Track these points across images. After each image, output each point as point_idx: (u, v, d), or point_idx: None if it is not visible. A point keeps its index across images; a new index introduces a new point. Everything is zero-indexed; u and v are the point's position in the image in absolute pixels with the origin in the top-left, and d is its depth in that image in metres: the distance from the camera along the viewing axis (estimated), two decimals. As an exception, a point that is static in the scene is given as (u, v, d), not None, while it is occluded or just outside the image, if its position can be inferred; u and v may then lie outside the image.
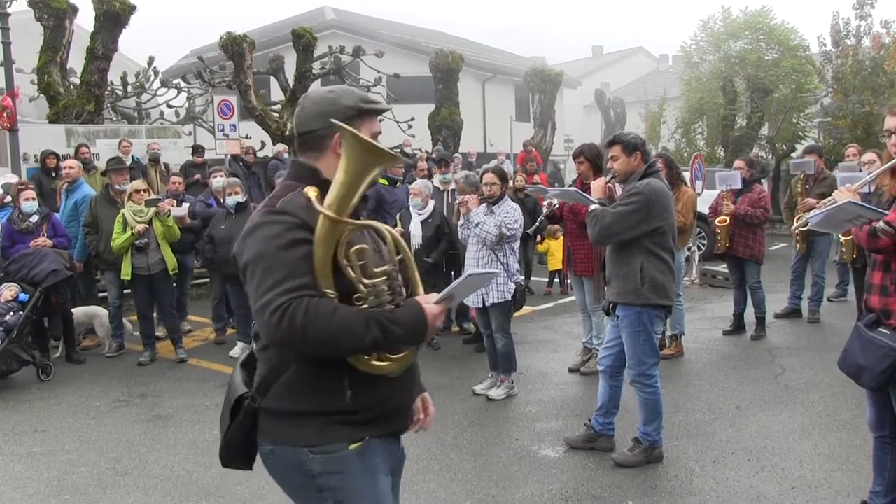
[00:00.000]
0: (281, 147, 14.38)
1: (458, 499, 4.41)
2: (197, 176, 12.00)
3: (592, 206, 4.77)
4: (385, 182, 9.13)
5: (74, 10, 13.37)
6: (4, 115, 11.40)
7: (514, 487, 4.54)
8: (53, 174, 10.69)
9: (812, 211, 3.99)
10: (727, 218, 7.89)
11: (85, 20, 15.26)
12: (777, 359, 7.19)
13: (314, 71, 17.61)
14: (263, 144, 17.52)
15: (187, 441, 5.51)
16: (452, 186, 8.35)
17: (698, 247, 12.36)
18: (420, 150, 16.70)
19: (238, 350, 7.94)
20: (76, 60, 14.56)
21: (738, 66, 24.38)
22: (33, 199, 7.85)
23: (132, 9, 13.38)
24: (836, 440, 5.11)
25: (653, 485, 4.50)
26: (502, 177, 6.46)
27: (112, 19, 13.18)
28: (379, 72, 20.13)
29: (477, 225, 6.16)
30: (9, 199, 8.33)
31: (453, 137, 18.35)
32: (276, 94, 21.35)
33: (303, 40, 15.90)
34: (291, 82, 17.04)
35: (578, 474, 4.69)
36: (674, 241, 4.74)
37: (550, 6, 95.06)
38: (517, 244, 6.41)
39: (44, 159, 11.03)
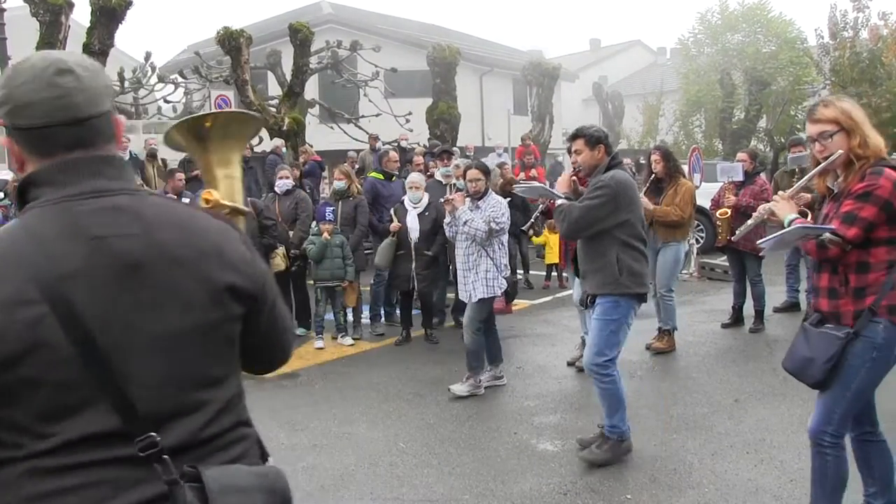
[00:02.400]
0: (278, 142, 14.36)
1: (456, 493, 4.41)
2: (195, 172, 11.97)
3: (559, 202, 4.73)
4: (380, 176, 9.12)
5: (70, 5, 13.32)
6: (1, 111, 11.38)
7: (513, 481, 4.54)
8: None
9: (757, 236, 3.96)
10: (728, 210, 7.89)
11: (81, 15, 15.24)
12: (775, 351, 7.19)
13: (311, 66, 17.59)
14: (261, 139, 17.49)
15: (186, 437, 5.50)
16: (454, 180, 8.34)
17: (696, 240, 12.37)
18: (417, 144, 16.71)
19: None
20: (72, 56, 14.53)
21: (736, 58, 24.41)
22: None
23: (128, 4, 13.35)
24: (835, 432, 5.10)
25: (651, 478, 4.50)
26: (486, 172, 6.41)
27: (108, 15, 13.15)
28: (376, 66, 20.10)
29: (465, 223, 6.09)
30: (1, 195, 8.29)
31: (451, 131, 18.33)
32: (274, 88, 21.33)
33: (300, 35, 15.86)
34: (289, 77, 17.02)
35: (577, 468, 4.69)
36: (644, 230, 4.74)
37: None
38: (506, 238, 6.36)
39: (40, 155, 11.01)
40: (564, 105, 30.71)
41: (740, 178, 8.07)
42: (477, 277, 6.13)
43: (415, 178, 8.20)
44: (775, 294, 8.93)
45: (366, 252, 8.74)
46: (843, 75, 18.15)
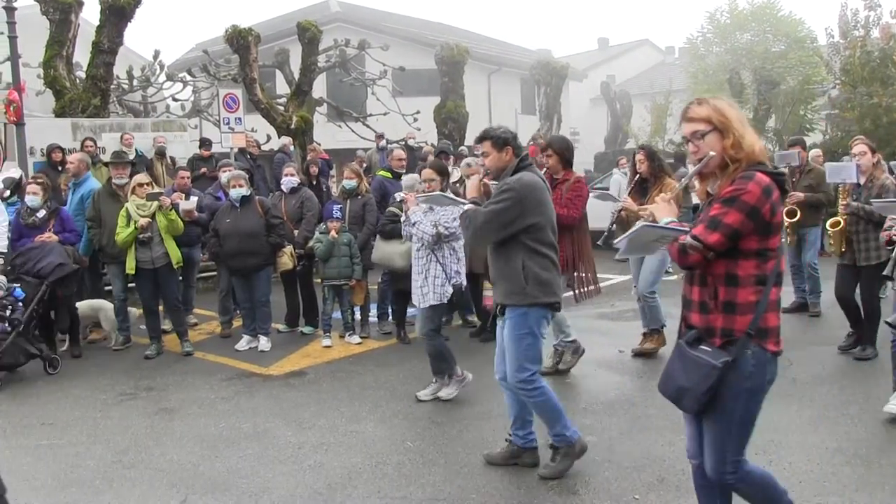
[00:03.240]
0: (286, 140, 14.38)
1: (464, 493, 4.40)
2: (203, 170, 11.99)
3: (466, 207, 4.48)
4: (388, 175, 9.13)
5: (80, 4, 13.36)
6: (11, 109, 11.41)
7: (521, 481, 4.53)
8: (59, 168, 10.69)
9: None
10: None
11: (90, 14, 15.29)
12: (784, 352, 7.13)
13: (319, 64, 17.62)
14: (269, 138, 17.53)
15: (193, 434, 5.52)
16: (453, 179, 8.32)
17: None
18: (425, 143, 16.71)
19: (244, 343, 7.95)
20: (82, 55, 14.57)
21: (745, 58, 24.32)
22: (35, 193, 7.73)
23: (137, 3, 13.37)
24: (844, 434, 5.09)
25: (660, 478, 4.49)
26: (442, 172, 6.21)
27: (117, 13, 13.18)
28: (384, 65, 20.12)
29: (414, 224, 5.95)
30: (7, 193, 8.29)
31: (458, 130, 18.34)
32: (282, 87, 21.36)
33: (308, 33, 15.89)
34: (297, 75, 17.04)
35: (585, 468, 4.68)
36: (554, 235, 4.52)
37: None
38: (459, 244, 6.11)
39: (49, 153, 11.05)
40: (572, 104, 30.67)
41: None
42: (426, 283, 5.95)
43: (417, 177, 8.17)
44: (784, 294, 8.88)
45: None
46: (853, 75, 18.01)
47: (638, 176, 7.09)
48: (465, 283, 6.23)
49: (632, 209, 6.85)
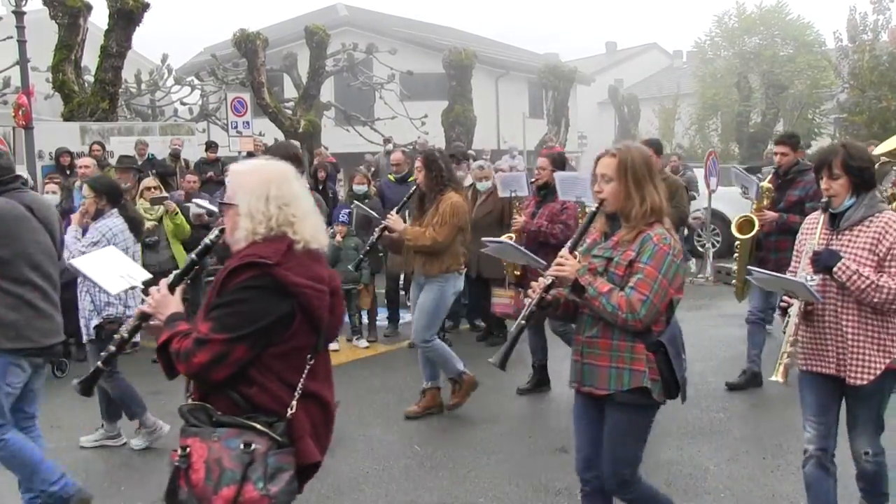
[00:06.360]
0: (294, 144, 14.40)
1: (471, 496, 4.40)
2: (210, 173, 12.00)
3: None
4: (392, 178, 9.11)
5: (88, 8, 13.45)
6: (20, 113, 11.48)
7: (527, 484, 4.52)
8: (68, 172, 10.73)
9: None
10: (514, 235, 6.05)
11: (99, 18, 15.35)
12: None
13: (327, 68, 17.68)
14: (276, 142, 17.59)
15: (201, 437, 5.52)
16: (467, 183, 8.31)
17: (713, 244, 12.30)
18: (433, 147, 16.70)
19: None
20: (90, 58, 14.65)
21: (753, 62, 24.30)
22: (54, 192, 7.90)
23: (146, 6, 13.44)
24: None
25: (667, 482, 4.47)
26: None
27: (126, 17, 13.25)
28: (392, 69, 20.17)
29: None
30: None
31: (466, 134, 18.36)
32: (290, 91, 21.42)
33: (316, 37, 15.96)
34: (305, 79, 17.09)
35: (592, 472, 4.66)
36: (35, 270, 3.98)
37: (564, 2, 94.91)
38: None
39: (58, 157, 11.09)
40: (580, 108, 30.64)
41: (524, 192, 6.31)
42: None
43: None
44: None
45: (379, 254, 8.73)
46: (862, 79, 17.99)
47: (416, 188, 5.71)
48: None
49: (396, 228, 5.46)
